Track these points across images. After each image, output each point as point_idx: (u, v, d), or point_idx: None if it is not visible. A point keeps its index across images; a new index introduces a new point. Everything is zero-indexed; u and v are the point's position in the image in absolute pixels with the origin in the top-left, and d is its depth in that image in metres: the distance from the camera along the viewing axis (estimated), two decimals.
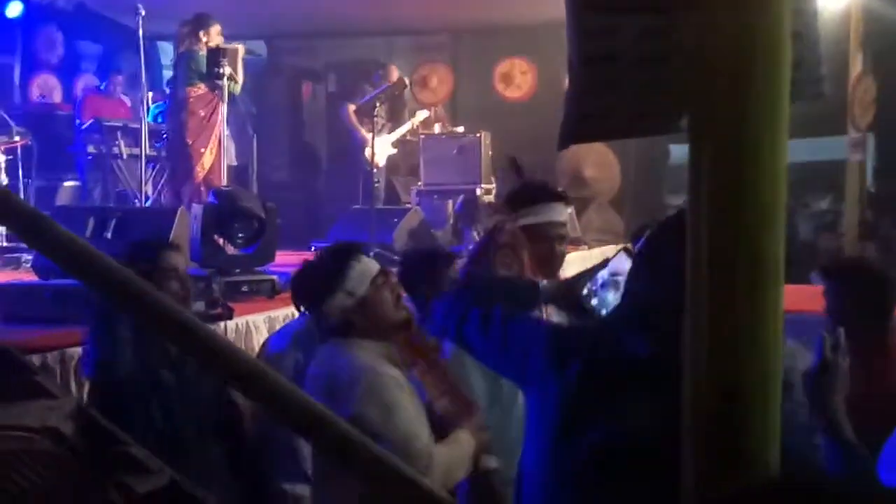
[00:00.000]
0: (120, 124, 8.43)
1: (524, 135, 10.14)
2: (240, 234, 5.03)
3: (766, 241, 0.87)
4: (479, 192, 8.50)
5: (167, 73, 10.56)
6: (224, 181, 7.31)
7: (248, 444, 3.22)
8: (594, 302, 2.11)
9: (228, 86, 7.33)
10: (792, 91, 0.91)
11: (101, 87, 9.52)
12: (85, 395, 3.19)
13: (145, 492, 2.12)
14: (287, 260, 5.98)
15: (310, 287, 2.80)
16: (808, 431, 1.73)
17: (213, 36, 7.43)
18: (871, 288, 2.74)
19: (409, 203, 8.75)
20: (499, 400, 2.91)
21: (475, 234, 7.38)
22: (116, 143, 8.18)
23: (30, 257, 5.77)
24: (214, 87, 7.34)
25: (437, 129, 9.60)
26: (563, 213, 3.05)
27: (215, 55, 7.24)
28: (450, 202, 8.85)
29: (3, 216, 0.94)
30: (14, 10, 9.45)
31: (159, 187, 8.21)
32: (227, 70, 7.23)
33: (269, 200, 5.53)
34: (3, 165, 7.53)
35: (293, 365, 3.58)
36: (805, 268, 3.35)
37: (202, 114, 7.42)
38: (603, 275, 2.12)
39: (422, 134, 9.18)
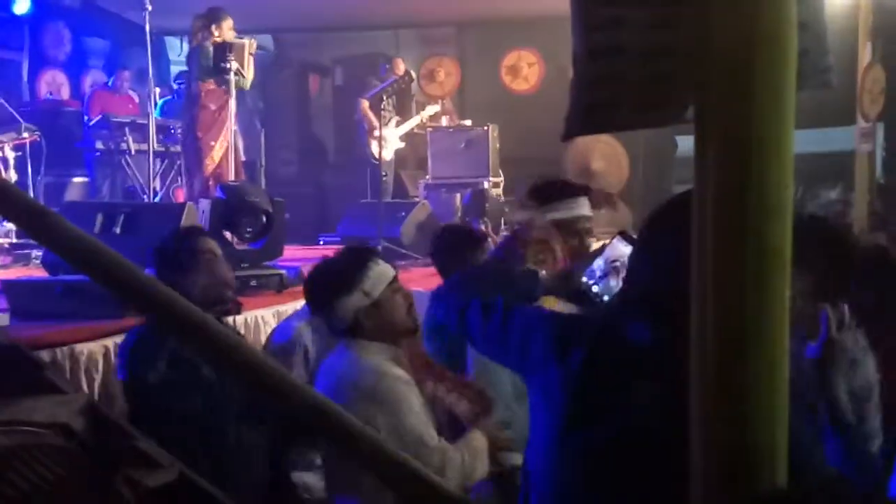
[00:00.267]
0: (128, 120, 8.45)
1: (532, 127, 10.12)
2: (248, 229, 5.03)
3: (772, 232, 0.86)
4: (486, 185, 8.49)
5: (175, 69, 10.59)
6: (232, 175, 7.33)
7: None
8: (595, 289, 2.10)
9: (236, 81, 7.34)
10: (798, 81, 0.90)
11: (109, 83, 9.54)
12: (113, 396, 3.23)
13: (155, 486, 2.14)
14: (295, 254, 5.99)
15: (327, 283, 2.81)
16: (813, 429, 1.71)
17: (225, 31, 7.45)
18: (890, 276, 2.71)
19: (416, 197, 8.75)
20: (525, 396, 2.93)
21: (483, 227, 7.38)
22: (125, 138, 8.20)
23: (39, 253, 5.79)
24: (223, 82, 7.36)
25: (444, 122, 9.60)
26: (588, 207, 3.08)
27: (222, 50, 7.26)
28: (458, 195, 8.85)
29: (11, 213, 0.94)
30: (22, 6, 9.47)
31: (167, 182, 8.23)
32: (234, 65, 7.24)
33: (276, 195, 5.53)
34: (11, 162, 7.55)
35: (302, 358, 3.60)
36: None
37: (213, 108, 7.45)
38: (600, 262, 2.11)
39: (429, 127, 9.17)
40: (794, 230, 1.87)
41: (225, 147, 7.42)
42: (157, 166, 7.75)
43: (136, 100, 9.49)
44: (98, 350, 3.34)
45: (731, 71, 0.87)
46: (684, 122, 0.92)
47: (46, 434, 2.01)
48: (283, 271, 5.00)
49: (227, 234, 5.09)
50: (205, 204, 5.34)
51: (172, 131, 8.50)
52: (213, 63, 7.30)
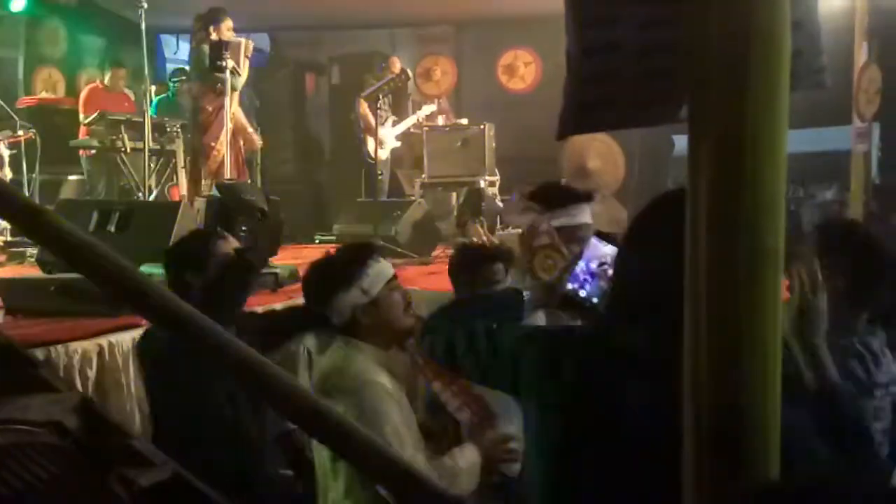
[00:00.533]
0: (123, 118, 8.43)
1: (528, 126, 10.12)
2: (243, 228, 5.02)
3: (765, 232, 0.86)
4: (483, 183, 8.49)
5: (171, 67, 10.58)
6: (227, 174, 7.33)
7: None
8: (583, 294, 2.08)
9: (231, 80, 7.35)
10: (792, 81, 0.91)
11: (105, 81, 9.52)
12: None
13: (148, 484, 2.14)
14: (291, 253, 5.99)
15: (326, 280, 2.81)
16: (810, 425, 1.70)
17: (223, 31, 7.46)
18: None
19: (413, 195, 8.75)
20: None
21: (479, 226, 7.38)
22: (120, 136, 8.18)
23: (34, 251, 5.78)
24: (218, 82, 7.38)
25: (440, 121, 9.59)
26: (590, 214, 3.06)
27: (217, 48, 7.26)
28: (454, 194, 8.85)
29: (6, 210, 0.94)
30: (18, 4, 9.45)
31: (163, 181, 8.22)
32: (230, 63, 7.24)
33: (272, 193, 5.53)
34: (7, 160, 7.54)
35: (306, 360, 3.61)
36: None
37: (210, 109, 7.47)
38: (582, 266, 2.08)
39: (425, 126, 9.17)
40: (832, 235, 1.84)
41: (224, 147, 7.44)
42: (153, 164, 7.74)
43: (132, 98, 9.47)
44: (92, 348, 3.34)
45: (725, 70, 0.87)
46: (678, 120, 0.92)
47: (40, 432, 2.01)
48: (279, 270, 5.00)
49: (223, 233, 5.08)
50: (200, 203, 5.34)
51: (168, 129, 8.49)
52: (209, 62, 7.31)
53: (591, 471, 1.58)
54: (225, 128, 7.38)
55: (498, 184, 8.76)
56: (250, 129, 8.12)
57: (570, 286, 2.05)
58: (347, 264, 2.78)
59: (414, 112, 9.50)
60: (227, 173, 7.35)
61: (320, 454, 2.66)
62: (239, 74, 7.50)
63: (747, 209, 0.86)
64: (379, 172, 8.27)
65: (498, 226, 7.87)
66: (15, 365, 2.16)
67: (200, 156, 7.65)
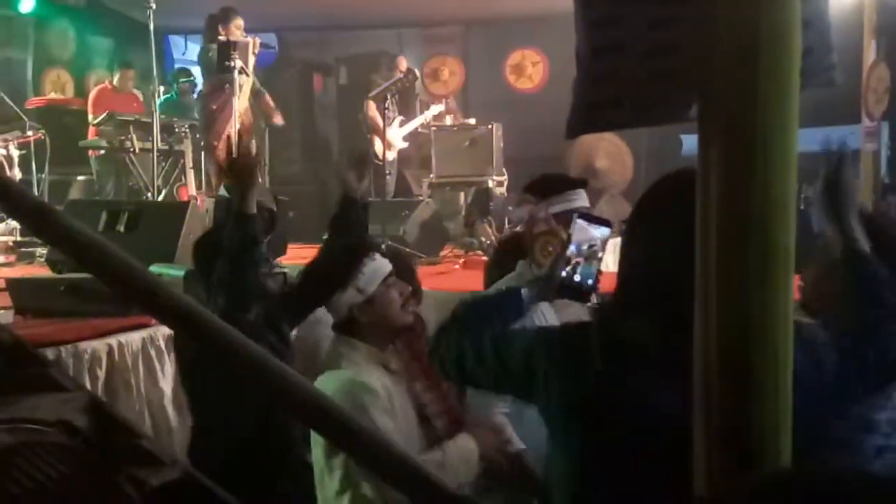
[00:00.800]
0: (132, 118, 8.46)
1: (535, 126, 10.11)
2: None
3: (776, 230, 0.86)
4: (491, 183, 8.48)
5: (178, 67, 10.60)
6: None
7: None
8: (577, 278, 2.05)
9: (240, 79, 7.37)
10: (802, 79, 0.90)
11: (114, 82, 9.55)
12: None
13: (159, 484, 2.14)
14: (299, 253, 5.99)
15: (322, 280, 2.81)
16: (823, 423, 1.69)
17: (232, 30, 7.48)
18: None
19: (420, 195, 8.75)
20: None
21: (487, 226, 7.37)
22: (129, 137, 8.21)
23: (44, 251, 5.80)
24: (224, 81, 7.40)
25: (448, 121, 9.59)
26: (586, 198, 3.06)
27: (226, 48, 7.28)
28: (462, 194, 8.85)
29: (15, 210, 0.94)
30: (27, 5, 9.49)
31: (171, 181, 8.24)
32: (238, 63, 7.26)
33: (280, 193, 5.53)
34: (16, 160, 7.57)
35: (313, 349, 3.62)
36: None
37: (213, 107, 7.50)
38: (572, 250, 2.05)
39: (433, 126, 9.16)
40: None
41: (228, 145, 7.46)
42: (161, 165, 7.77)
43: (141, 98, 9.50)
44: (102, 348, 3.35)
45: (735, 69, 0.86)
46: (688, 120, 0.92)
47: (50, 432, 2.01)
48: (287, 270, 5.00)
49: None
50: (209, 203, 5.34)
51: (177, 129, 8.51)
52: (216, 62, 7.33)
53: (613, 468, 1.57)
54: (234, 127, 7.39)
55: (506, 183, 8.75)
56: (272, 105, 8.13)
57: (563, 273, 2.02)
58: (341, 264, 2.78)
59: (421, 112, 9.50)
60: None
61: (316, 450, 2.66)
62: (247, 74, 7.52)
63: (758, 208, 0.86)
64: (387, 172, 8.27)
65: (506, 225, 7.86)
66: (25, 364, 2.17)
67: (205, 153, 7.71)
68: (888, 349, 1.71)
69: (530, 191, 3.03)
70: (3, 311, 3.52)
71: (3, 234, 6.92)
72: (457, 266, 6.56)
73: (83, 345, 3.26)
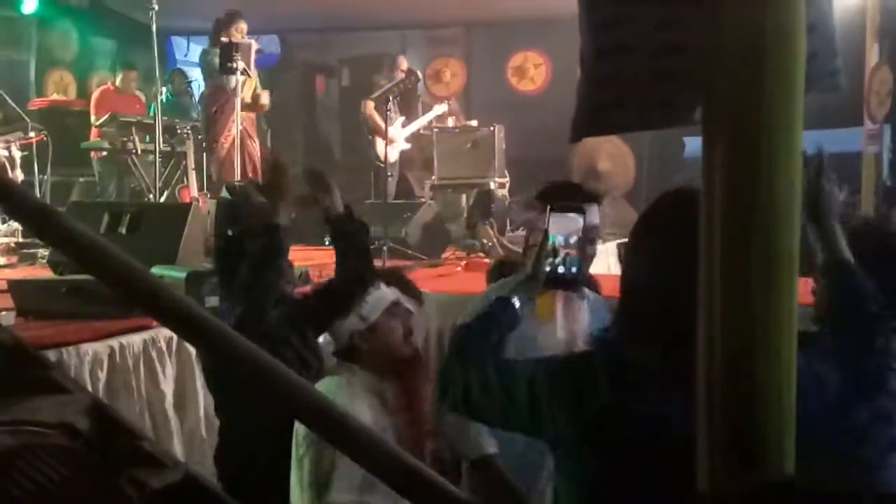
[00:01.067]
0: (134, 120, 8.46)
1: (538, 128, 10.10)
2: None
3: (780, 234, 0.86)
4: (493, 185, 8.48)
5: (187, 70, 10.61)
6: (237, 175, 7.36)
7: None
8: (561, 270, 2.03)
9: (243, 81, 7.38)
10: (806, 84, 0.90)
11: (116, 83, 9.56)
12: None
13: (160, 486, 2.13)
14: (301, 255, 5.99)
15: (326, 307, 2.83)
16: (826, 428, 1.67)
17: (234, 33, 7.50)
18: None
19: (422, 197, 8.75)
20: None
21: (488, 227, 7.37)
22: (131, 138, 8.21)
23: (45, 253, 5.80)
24: (224, 83, 7.42)
25: (450, 122, 9.59)
26: (598, 214, 2.99)
27: (227, 50, 7.29)
28: (464, 196, 8.84)
29: (17, 212, 0.94)
30: (29, 6, 9.50)
31: (173, 182, 8.24)
32: (241, 65, 7.27)
33: None
34: (18, 161, 7.57)
35: None
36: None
37: (213, 109, 7.52)
38: (556, 242, 2.04)
39: (435, 128, 9.16)
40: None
41: (226, 148, 7.47)
42: (163, 166, 7.77)
43: (143, 99, 9.51)
44: (103, 350, 3.34)
45: (740, 71, 0.86)
46: (692, 123, 0.92)
47: (52, 434, 2.00)
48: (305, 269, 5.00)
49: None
50: (210, 204, 5.34)
51: (178, 131, 8.52)
52: (219, 63, 7.34)
53: (623, 495, 1.55)
54: (236, 129, 7.40)
55: (508, 185, 8.75)
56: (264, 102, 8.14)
57: (546, 268, 2.02)
58: (346, 292, 2.79)
59: (424, 114, 9.50)
60: (237, 175, 7.38)
61: (296, 450, 2.66)
62: (249, 76, 7.53)
63: (762, 211, 0.85)
64: (389, 174, 8.27)
65: (508, 227, 7.86)
66: (26, 366, 2.16)
67: (206, 154, 7.73)
68: (879, 358, 1.71)
69: (539, 198, 2.99)
70: (4, 312, 3.52)
71: (5, 236, 6.92)
72: (459, 268, 6.56)
73: (85, 346, 3.26)
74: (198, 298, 3.61)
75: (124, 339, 3.46)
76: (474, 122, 9.34)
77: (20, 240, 6.86)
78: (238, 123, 7.45)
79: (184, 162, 8.31)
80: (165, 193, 7.82)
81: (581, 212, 2.07)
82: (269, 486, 2.89)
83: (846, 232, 1.97)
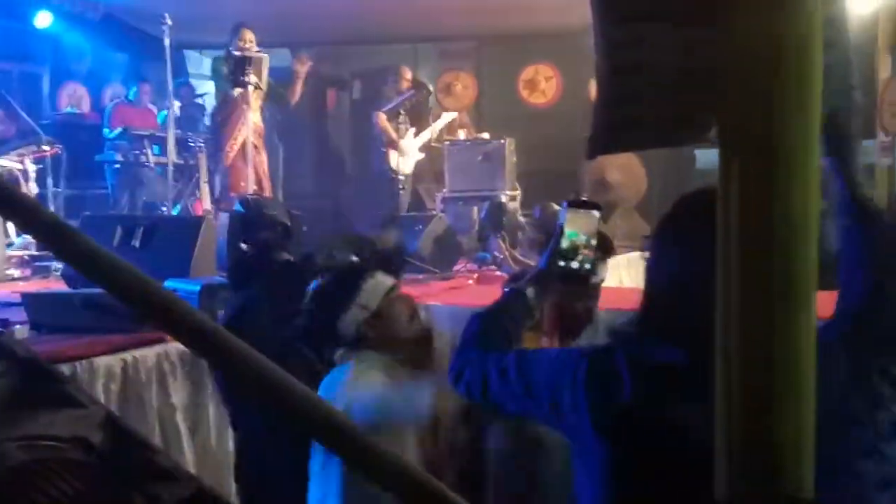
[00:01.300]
0: (147, 133, 8.51)
1: (549, 141, 10.13)
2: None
3: (799, 254, 0.85)
4: (504, 198, 8.48)
5: (193, 82, 10.67)
6: (249, 188, 7.38)
7: None
8: (574, 266, 2.02)
9: (256, 94, 7.42)
10: (822, 99, 0.90)
11: (130, 97, 9.62)
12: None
13: (173, 500, 2.14)
14: None
15: (325, 306, 2.84)
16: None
17: (242, 45, 7.51)
18: None
19: (433, 210, 8.75)
20: None
21: (500, 240, 7.36)
22: (144, 151, 8.25)
23: (59, 265, 5.82)
24: (232, 94, 7.46)
25: (461, 135, 9.60)
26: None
27: (241, 63, 7.32)
28: (475, 208, 8.84)
29: (30, 227, 0.94)
30: (43, 20, 9.56)
31: (186, 195, 8.28)
32: (253, 78, 7.30)
33: (294, 208, 5.54)
34: (32, 174, 7.62)
35: None
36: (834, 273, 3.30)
37: (219, 119, 7.55)
38: (576, 240, 2.02)
39: (446, 140, 9.18)
40: None
41: (232, 159, 7.50)
42: (176, 179, 7.81)
43: (156, 112, 9.56)
44: (116, 364, 3.35)
45: (755, 88, 0.86)
46: (708, 141, 0.92)
47: (66, 448, 2.01)
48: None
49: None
50: (223, 217, 5.36)
51: (191, 144, 8.56)
52: (232, 76, 7.38)
53: (643, 493, 1.55)
54: (248, 140, 7.42)
55: (519, 198, 8.76)
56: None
57: (560, 263, 2.01)
58: (341, 287, 2.80)
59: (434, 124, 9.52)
60: (249, 187, 7.40)
61: (314, 464, 2.67)
62: (262, 89, 7.56)
63: (779, 227, 0.85)
64: (401, 187, 8.29)
65: (518, 239, 7.85)
66: (40, 380, 2.17)
67: (213, 165, 7.75)
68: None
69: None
70: (19, 325, 3.53)
71: (19, 248, 6.96)
72: (470, 281, 6.55)
73: (98, 360, 3.27)
74: (211, 312, 3.62)
75: (137, 353, 3.47)
76: (485, 135, 9.35)
77: (34, 252, 6.90)
78: (251, 135, 7.48)
79: (196, 175, 8.35)
80: (178, 206, 7.86)
81: (598, 208, 2.05)
82: (286, 498, 2.90)
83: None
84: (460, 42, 11.72)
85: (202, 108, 9.88)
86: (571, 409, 1.63)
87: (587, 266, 1.99)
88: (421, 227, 7.23)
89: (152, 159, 8.29)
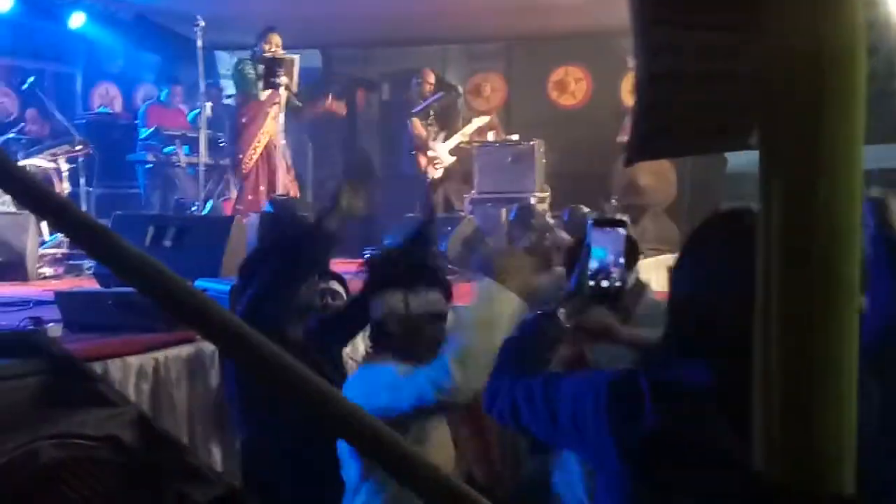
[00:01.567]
0: (178, 133, 8.58)
1: (578, 143, 10.09)
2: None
3: (842, 262, 0.84)
4: (533, 200, 8.46)
5: (223, 83, 10.74)
6: (270, 190, 7.40)
7: None
8: (605, 285, 2.01)
9: (286, 96, 7.44)
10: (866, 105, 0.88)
11: (162, 98, 9.70)
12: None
13: (204, 500, 2.15)
14: (341, 268, 6.01)
15: (387, 274, 2.80)
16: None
17: (269, 47, 7.54)
18: None
19: (462, 211, 8.75)
20: None
21: (529, 242, 7.34)
22: (175, 151, 8.32)
23: (91, 264, 5.88)
24: (254, 95, 7.48)
25: (490, 137, 9.59)
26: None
27: (271, 64, 7.35)
28: (504, 210, 8.82)
29: (65, 228, 0.95)
30: (77, 20, 9.66)
31: (216, 195, 8.34)
32: (284, 80, 7.33)
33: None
34: (65, 174, 7.70)
35: None
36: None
37: (243, 121, 7.56)
38: (604, 258, 2.02)
39: (475, 142, 9.17)
40: None
41: (254, 160, 7.51)
42: (207, 179, 7.86)
43: (186, 113, 9.64)
44: (148, 363, 3.37)
45: (799, 96, 0.85)
46: (747, 148, 0.90)
47: (98, 447, 2.03)
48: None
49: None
50: (253, 218, 5.39)
51: (220, 144, 8.62)
52: (263, 77, 7.40)
53: None
54: (258, 142, 7.43)
55: (548, 200, 8.73)
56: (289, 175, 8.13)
57: (590, 283, 2.00)
58: (409, 270, 2.78)
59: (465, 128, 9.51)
60: (269, 190, 7.43)
61: (349, 473, 2.67)
62: (293, 91, 7.59)
63: (822, 238, 0.84)
64: (430, 189, 8.29)
65: (545, 242, 7.82)
66: (74, 378, 2.19)
67: (234, 167, 7.74)
68: None
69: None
70: (52, 324, 3.56)
71: (52, 247, 7.03)
72: None
73: (130, 359, 3.29)
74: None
75: (169, 353, 3.49)
76: (515, 137, 9.33)
77: (66, 251, 6.97)
78: (281, 137, 7.51)
79: (226, 174, 8.40)
80: (208, 205, 7.91)
81: (624, 225, 2.05)
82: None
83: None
84: (489, 44, 11.70)
85: (231, 108, 9.94)
86: (595, 435, 1.61)
87: (617, 284, 1.99)
88: (450, 228, 7.22)
89: (183, 159, 8.35)
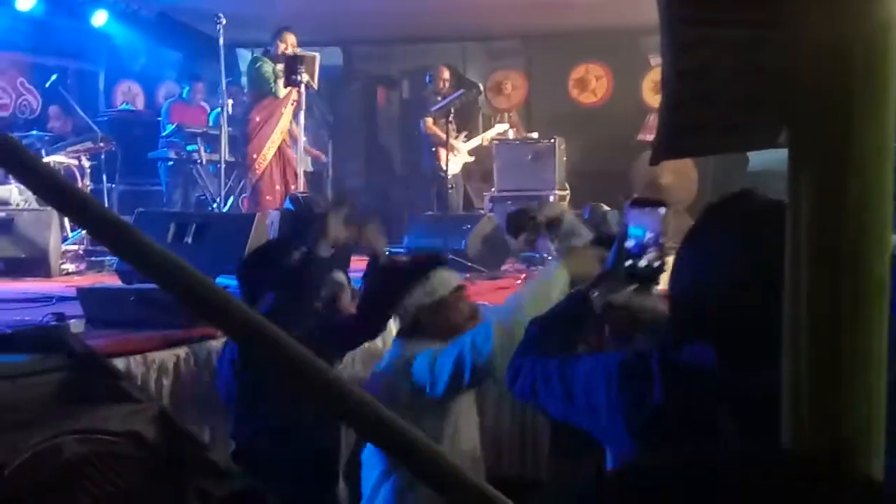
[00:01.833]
0: (200, 131, 8.61)
1: (599, 140, 10.06)
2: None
3: (871, 259, 0.83)
4: (553, 198, 8.44)
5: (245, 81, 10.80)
6: (296, 187, 7.41)
7: None
8: (642, 265, 1.98)
9: (306, 93, 7.45)
10: None
11: (184, 95, 9.74)
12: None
13: (223, 496, 2.16)
14: (362, 265, 6.02)
15: (392, 284, 2.87)
16: None
17: (284, 46, 7.53)
18: None
19: (482, 209, 8.74)
20: None
21: (549, 241, 7.32)
22: (197, 149, 8.35)
23: (113, 260, 5.92)
24: (270, 95, 7.48)
25: (511, 134, 9.57)
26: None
27: (293, 62, 7.36)
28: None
29: (87, 224, 0.95)
30: (100, 19, 9.73)
31: (237, 192, 8.37)
32: (305, 77, 7.34)
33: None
34: (87, 170, 7.75)
35: None
36: None
37: (258, 119, 7.56)
38: (635, 238, 1.99)
39: (496, 140, 9.16)
40: None
41: (269, 159, 7.51)
42: (227, 176, 7.89)
43: (208, 110, 9.68)
44: (169, 359, 3.39)
45: (829, 94, 0.84)
46: (777, 146, 0.89)
47: (120, 443, 2.04)
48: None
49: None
50: (274, 215, 5.40)
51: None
52: (284, 76, 7.40)
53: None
54: (272, 141, 7.43)
55: (568, 198, 8.71)
56: (315, 152, 8.11)
57: (627, 263, 1.98)
58: (411, 273, 2.84)
59: (484, 127, 9.50)
60: (280, 188, 7.44)
61: (369, 474, 2.70)
62: (314, 89, 7.58)
63: (852, 235, 0.82)
64: (450, 187, 8.28)
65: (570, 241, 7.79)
66: (96, 375, 2.20)
67: (246, 166, 7.72)
68: None
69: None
70: (74, 320, 3.58)
71: (74, 243, 7.08)
72: (518, 281, 6.52)
73: (152, 355, 3.30)
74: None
75: (190, 349, 3.51)
76: (535, 135, 9.31)
77: (88, 247, 7.01)
78: (301, 135, 7.51)
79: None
80: (229, 202, 7.94)
81: (664, 205, 2.01)
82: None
83: None
84: (509, 41, 11.69)
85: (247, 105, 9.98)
86: (607, 414, 1.63)
87: (655, 264, 1.95)
88: (469, 226, 7.21)
89: (205, 157, 8.39)
